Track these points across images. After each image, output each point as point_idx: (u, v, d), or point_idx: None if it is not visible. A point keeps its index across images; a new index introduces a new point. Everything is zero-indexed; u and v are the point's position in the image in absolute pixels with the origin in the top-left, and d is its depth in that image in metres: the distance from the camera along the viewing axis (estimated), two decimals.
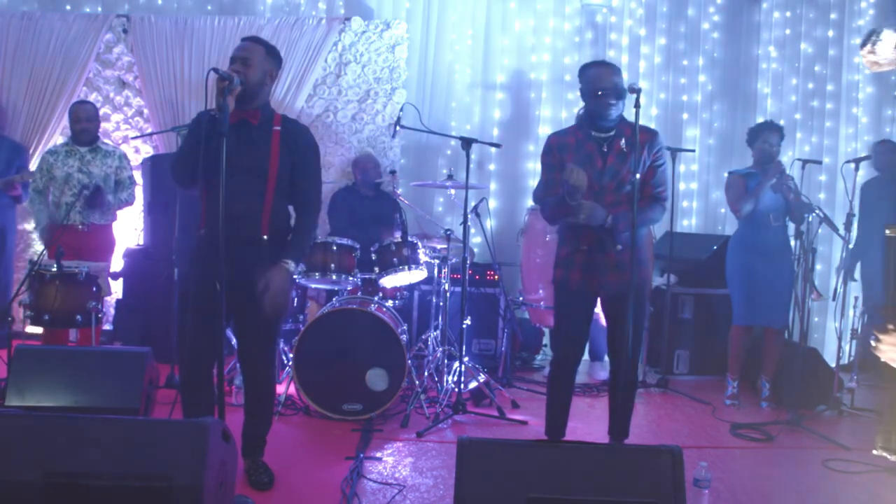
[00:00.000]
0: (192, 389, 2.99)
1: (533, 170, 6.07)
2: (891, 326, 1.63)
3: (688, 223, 6.23)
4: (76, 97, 5.56)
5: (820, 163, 5.17)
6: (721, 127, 6.23)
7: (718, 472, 3.42)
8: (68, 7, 5.99)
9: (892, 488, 3.43)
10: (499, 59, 6.08)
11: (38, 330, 4.40)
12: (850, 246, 4.76)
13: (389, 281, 4.48)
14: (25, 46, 5.68)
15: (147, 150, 5.83)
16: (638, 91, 2.99)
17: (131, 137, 5.79)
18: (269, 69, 3.01)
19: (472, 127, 6.00)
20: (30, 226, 5.71)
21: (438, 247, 4.69)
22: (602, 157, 3.15)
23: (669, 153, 4.98)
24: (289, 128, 3.04)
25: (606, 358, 5.38)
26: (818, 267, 5.94)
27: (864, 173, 4.82)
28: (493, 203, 5.91)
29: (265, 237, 2.98)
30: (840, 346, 4.83)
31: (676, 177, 5.64)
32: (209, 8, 6.04)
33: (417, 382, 4.25)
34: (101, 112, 5.29)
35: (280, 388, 4.02)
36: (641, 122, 3.05)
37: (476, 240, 5.70)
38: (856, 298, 4.82)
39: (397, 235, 4.50)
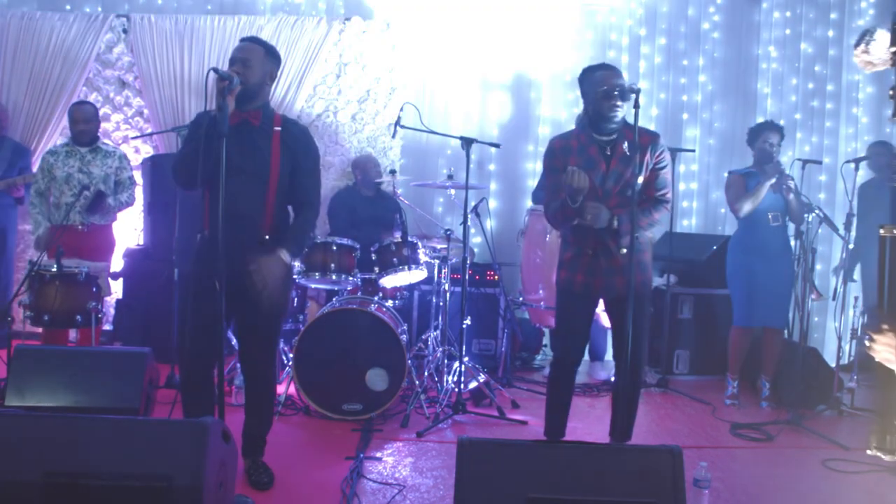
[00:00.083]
0: (192, 389, 2.99)
1: (533, 170, 6.07)
2: (885, 326, 1.63)
3: (688, 223, 6.23)
4: (76, 97, 5.57)
5: (820, 163, 5.17)
6: (721, 127, 6.23)
7: (718, 472, 3.43)
8: (68, 7, 5.99)
9: (892, 488, 3.43)
10: (499, 59, 6.07)
11: (39, 330, 4.40)
12: (850, 246, 4.75)
13: (389, 281, 4.48)
14: (25, 46, 5.69)
15: (147, 150, 5.83)
16: (637, 91, 2.99)
17: (131, 137, 5.79)
18: (269, 69, 3.01)
19: (472, 127, 5.99)
20: (29, 227, 5.71)
21: (438, 247, 4.69)
22: (605, 161, 3.16)
23: (669, 154, 4.98)
24: (289, 128, 3.05)
25: (607, 358, 5.45)
26: (818, 267, 5.94)
27: (864, 174, 4.82)
28: (493, 203, 5.91)
29: (267, 238, 2.98)
30: (840, 346, 4.83)
31: (676, 177, 5.64)
32: (209, 8, 6.04)
33: (417, 382, 4.25)
34: (101, 112, 5.30)
35: (280, 388, 4.02)
36: (641, 122, 3.06)
37: (476, 240, 5.70)
38: (856, 298, 4.82)
39: (397, 235, 4.50)
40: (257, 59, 2.94)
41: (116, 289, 5.16)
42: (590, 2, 6.08)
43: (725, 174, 4.91)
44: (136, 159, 5.62)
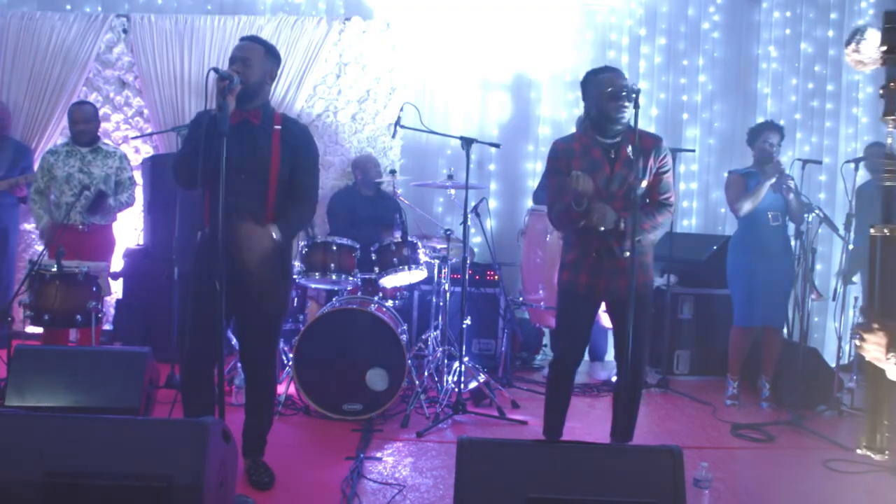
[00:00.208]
0: (192, 389, 2.99)
1: (533, 170, 6.07)
2: (875, 325, 1.63)
3: (688, 223, 6.23)
4: (76, 97, 5.57)
5: (820, 163, 5.17)
6: (721, 127, 6.22)
7: (719, 473, 3.42)
8: (68, 7, 5.99)
9: (892, 488, 3.43)
10: (499, 59, 6.07)
11: (39, 330, 4.40)
12: (850, 247, 4.75)
13: (389, 281, 4.47)
14: (25, 46, 5.69)
15: (147, 150, 5.83)
16: (637, 92, 2.99)
17: (131, 137, 5.79)
18: (269, 69, 3.01)
19: (472, 127, 5.99)
20: (30, 226, 5.71)
21: (438, 247, 4.69)
22: (609, 164, 3.16)
23: (669, 154, 4.99)
24: (289, 127, 3.05)
25: (607, 358, 5.45)
26: (818, 267, 5.94)
27: (863, 174, 4.82)
28: (493, 203, 5.90)
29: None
30: (840, 346, 4.83)
31: (676, 177, 5.63)
32: (209, 8, 6.04)
33: (417, 382, 4.25)
34: (101, 112, 5.30)
35: (280, 388, 4.01)
36: (641, 122, 3.06)
37: (476, 240, 5.70)
38: (855, 299, 4.82)
39: (397, 235, 4.50)
40: (257, 58, 2.94)
41: (116, 289, 5.15)
42: (590, 2, 6.08)
43: (725, 174, 4.91)
44: (136, 159, 5.62)
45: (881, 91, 1.75)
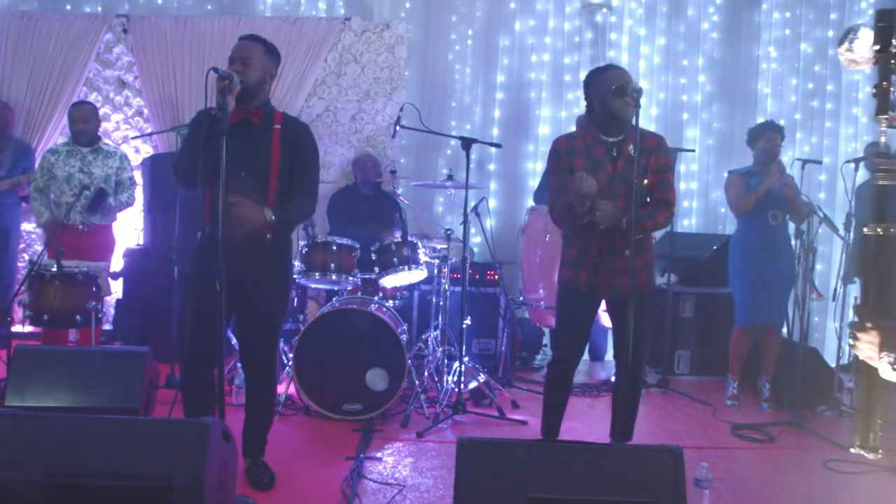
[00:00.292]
0: (192, 389, 2.99)
1: (533, 170, 6.07)
2: (868, 324, 1.64)
3: (688, 223, 6.23)
4: (76, 97, 5.57)
5: (820, 163, 5.16)
6: (721, 127, 6.22)
7: (719, 473, 3.42)
8: (68, 7, 5.99)
9: (892, 488, 3.43)
10: (499, 59, 6.07)
11: (38, 330, 4.39)
12: (851, 247, 4.75)
13: (389, 281, 4.47)
14: (25, 46, 5.68)
15: (147, 150, 5.83)
16: (639, 92, 2.99)
17: (131, 137, 5.79)
18: (269, 68, 3.01)
19: (472, 127, 5.99)
20: (30, 226, 5.71)
21: (438, 247, 4.69)
22: (612, 162, 3.15)
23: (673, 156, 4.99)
24: (289, 125, 3.05)
25: (607, 358, 5.45)
26: (818, 267, 5.93)
27: (863, 174, 4.82)
28: (493, 203, 5.90)
29: (268, 236, 2.98)
30: (840, 346, 4.83)
31: (677, 177, 5.63)
32: (209, 7, 6.04)
33: (417, 382, 4.25)
34: (101, 112, 5.29)
35: (280, 388, 4.01)
36: (641, 122, 3.06)
37: (476, 239, 5.70)
38: (855, 298, 4.81)
39: (397, 235, 4.50)
40: (257, 57, 2.94)
41: (116, 289, 5.16)
42: (590, 2, 6.08)
43: (725, 174, 4.91)
44: (136, 159, 5.62)
45: (874, 90, 1.75)
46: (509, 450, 2.20)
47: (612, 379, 4.70)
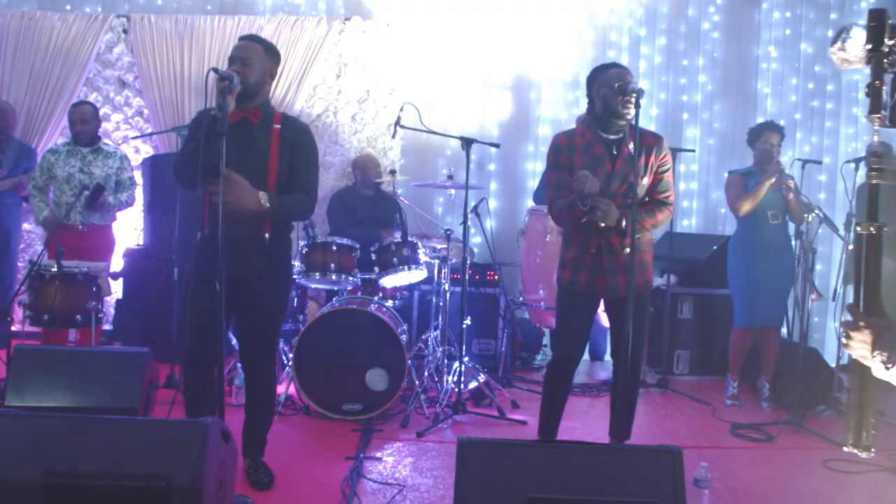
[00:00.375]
0: (193, 389, 2.99)
1: (533, 170, 6.07)
2: (861, 323, 1.65)
3: (688, 223, 6.23)
4: (76, 97, 5.57)
5: (820, 163, 5.17)
6: (721, 127, 6.23)
7: (718, 473, 3.42)
8: (68, 7, 5.99)
9: (892, 488, 3.43)
10: (499, 59, 6.07)
11: (38, 330, 4.40)
12: (850, 247, 4.75)
13: (389, 281, 4.47)
14: (25, 46, 5.69)
15: (147, 150, 5.83)
16: (640, 92, 2.99)
17: (131, 137, 5.80)
18: (269, 68, 3.01)
19: (472, 127, 5.99)
20: (30, 226, 5.72)
21: (438, 247, 4.69)
22: (611, 160, 3.15)
23: (669, 154, 4.99)
24: (288, 126, 3.05)
25: (607, 358, 5.45)
26: (818, 267, 5.94)
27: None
28: (493, 203, 5.91)
29: (267, 236, 2.98)
30: (840, 346, 4.83)
31: (676, 177, 5.63)
32: (209, 8, 6.04)
33: (417, 382, 4.25)
34: (101, 112, 5.29)
35: (280, 388, 4.01)
36: (641, 122, 3.06)
37: (476, 240, 5.70)
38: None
39: (397, 235, 4.50)
40: (257, 57, 2.94)
41: (116, 289, 5.16)
42: (590, 2, 6.08)
43: (725, 174, 4.91)
44: (136, 159, 5.62)
45: (866, 89, 1.76)
46: (509, 450, 2.20)
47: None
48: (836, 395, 4.61)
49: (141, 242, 5.54)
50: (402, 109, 4.52)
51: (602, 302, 3.34)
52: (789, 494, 3.32)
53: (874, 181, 1.77)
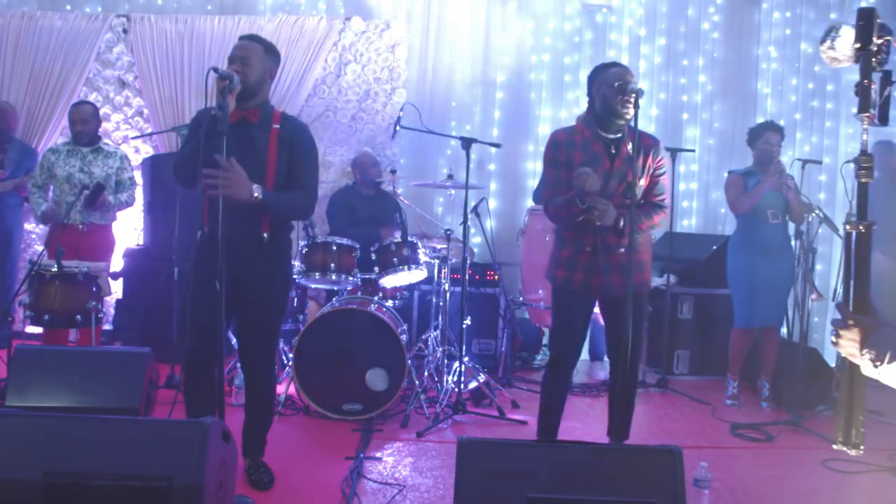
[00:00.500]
0: (193, 389, 2.99)
1: (533, 170, 6.07)
2: (850, 322, 1.66)
3: (688, 223, 6.23)
4: (76, 97, 5.57)
5: (820, 163, 5.17)
6: (721, 127, 6.23)
7: (718, 473, 3.43)
8: (68, 7, 5.99)
9: (892, 488, 3.44)
10: (499, 59, 6.08)
11: (39, 330, 4.40)
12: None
13: (389, 281, 4.48)
14: (25, 46, 5.69)
15: (147, 150, 5.83)
16: (639, 93, 2.99)
17: (131, 137, 5.80)
18: (268, 67, 3.01)
19: (472, 127, 6.00)
20: (30, 226, 5.72)
21: (438, 247, 4.69)
22: (610, 159, 3.15)
23: (669, 154, 4.99)
24: (287, 126, 3.05)
25: (606, 358, 5.45)
26: (818, 267, 5.94)
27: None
28: (493, 203, 5.91)
29: (265, 235, 2.98)
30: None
31: (676, 177, 5.64)
32: (209, 8, 6.04)
33: (417, 382, 4.25)
34: (101, 112, 5.29)
35: (280, 388, 4.02)
36: (641, 122, 3.06)
37: (476, 240, 5.70)
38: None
39: (397, 235, 4.50)
40: (256, 56, 2.94)
41: (116, 289, 5.16)
42: (590, 2, 6.08)
43: (725, 174, 4.91)
44: (136, 159, 5.62)
45: (855, 88, 1.77)
46: (509, 450, 2.20)
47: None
48: (835, 395, 4.60)
49: (141, 242, 5.54)
50: (402, 109, 4.53)
51: (598, 302, 3.33)
52: (789, 494, 3.33)
53: (863, 180, 1.78)
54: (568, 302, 3.26)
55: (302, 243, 4.27)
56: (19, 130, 5.58)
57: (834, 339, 1.70)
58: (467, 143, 4.12)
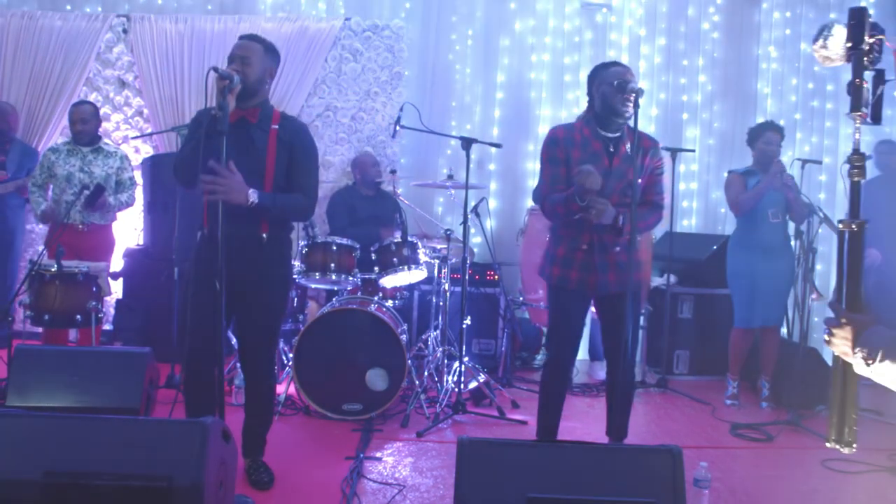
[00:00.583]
0: (194, 389, 2.99)
1: (533, 170, 6.07)
2: (843, 320, 1.66)
3: (688, 223, 6.23)
4: (76, 97, 5.57)
5: (820, 163, 5.17)
6: (721, 127, 6.23)
7: (718, 473, 3.43)
8: (68, 7, 5.99)
9: (892, 488, 3.44)
10: (499, 59, 6.08)
11: (39, 330, 4.40)
12: None
13: (389, 281, 4.48)
14: (25, 46, 5.69)
15: (147, 150, 5.83)
16: (639, 92, 2.99)
17: (131, 137, 5.80)
18: (268, 67, 3.01)
19: (472, 127, 6.00)
20: (30, 225, 5.72)
21: (438, 247, 4.69)
22: (608, 158, 3.15)
23: (669, 154, 5.00)
24: (286, 126, 3.04)
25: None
26: (818, 267, 5.94)
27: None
28: (493, 203, 5.91)
29: (265, 235, 2.98)
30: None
31: (676, 177, 5.64)
32: (209, 8, 6.04)
33: (417, 382, 4.25)
34: (101, 112, 5.29)
35: (280, 388, 4.02)
36: (641, 122, 3.06)
37: (476, 240, 5.70)
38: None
39: (397, 235, 4.50)
40: (256, 56, 2.94)
41: (116, 289, 5.16)
42: (590, 1, 6.08)
43: (725, 174, 4.91)
44: (136, 159, 5.62)
45: (847, 87, 1.77)
46: (509, 450, 2.20)
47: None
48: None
49: (141, 242, 5.53)
50: (402, 109, 4.53)
51: (594, 301, 3.32)
52: (789, 494, 3.33)
53: (855, 179, 1.78)
54: (564, 300, 3.26)
55: (302, 243, 4.28)
56: (19, 130, 5.58)
57: (827, 338, 1.71)
58: (467, 143, 4.12)
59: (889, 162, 5.08)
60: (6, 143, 5.11)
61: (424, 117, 4.44)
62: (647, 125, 5.79)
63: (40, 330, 4.33)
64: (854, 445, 1.77)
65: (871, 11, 5.84)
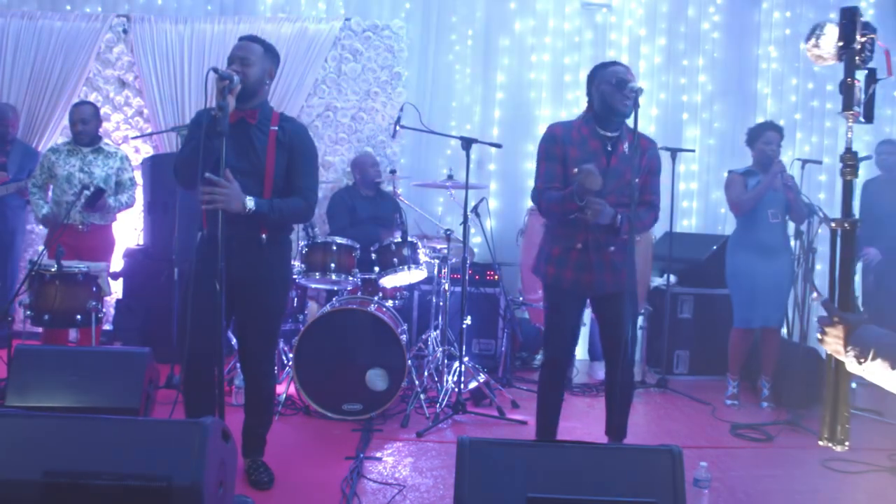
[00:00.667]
0: (194, 389, 2.99)
1: (533, 170, 6.05)
2: (836, 319, 1.67)
3: (688, 223, 6.23)
4: (76, 97, 5.57)
5: (820, 163, 5.18)
6: (721, 127, 6.23)
7: (718, 473, 3.43)
8: (68, 7, 5.99)
9: (892, 488, 3.44)
10: (499, 59, 6.08)
11: (39, 330, 4.40)
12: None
13: (389, 281, 4.48)
14: (25, 47, 5.69)
15: (147, 150, 5.83)
16: (639, 91, 2.99)
17: (131, 137, 5.80)
18: (268, 68, 3.01)
19: (472, 127, 5.99)
20: (30, 226, 5.72)
21: (438, 247, 4.69)
22: (606, 157, 3.15)
23: (669, 154, 5.00)
24: (286, 127, 3.04)
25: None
26: (818, 267, 5.94)
27: (864, 173, 4.83)
28: (493, 203, 5.90)
29: (264, 237, 2.98)
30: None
31: (676, 177, 5.63)
32: (209, 8, 6.04)
33: (417, 382, 4.25)
34: (102, 112, 5.29)
35: (280, 388, 4.02)
36: (641, 122, 3.06)
37: (476, 240, 5.70)
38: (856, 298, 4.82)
39: (397, 235, 4.50)
40: (256, 57, 2.94)
41: (116, 289, 5.16)
42: (590, 2, 6.08)
43: (725, 174, 4.91)
44: (136, 159, 5.62)
45: (839, 87, 1.78)
46: (509, 450, 2.20)
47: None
48: None
49: (141, 242, 5.53)
50: (402, 109, 4.53)
51: (589, 300, 3.32)
52: (789, 494, 3.33)
53: (847, 178, 1.79)
54: (559, 300, 3.25)
55: (302, 243, 4.28)
56: (19, 130, 5.58)
57: (820, 336, 1.72)
58: (467, 143, 4.12)
59: (890, 162, 5.08)
60: (7, 144, 5.11)
61: (424, 117, 4.44)
62: (647, 125, 5.79)
63: (40, 330, 4.33)
64: (847, 444, 1.77)
65: (870, 11, 5.85)
